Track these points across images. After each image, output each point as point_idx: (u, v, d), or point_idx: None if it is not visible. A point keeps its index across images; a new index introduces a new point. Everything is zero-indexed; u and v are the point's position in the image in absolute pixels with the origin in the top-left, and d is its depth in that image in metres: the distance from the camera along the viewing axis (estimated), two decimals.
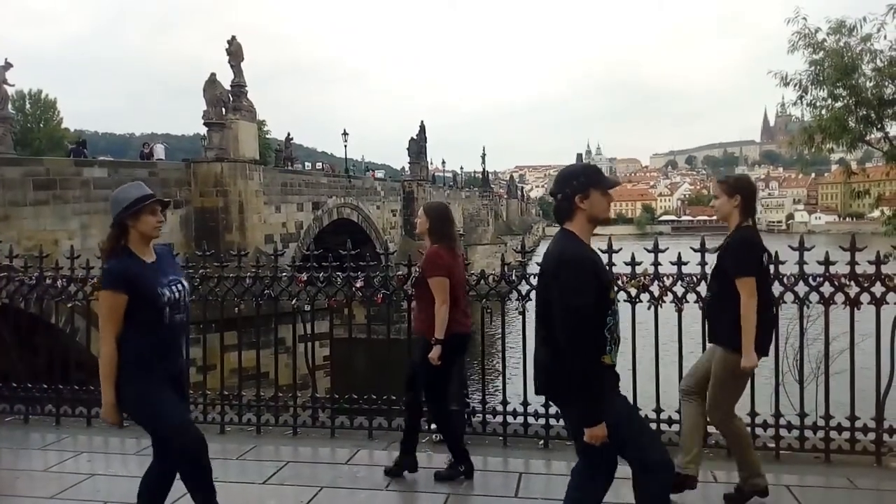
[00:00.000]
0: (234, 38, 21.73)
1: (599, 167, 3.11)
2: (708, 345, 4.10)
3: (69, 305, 6.00)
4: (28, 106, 59.25)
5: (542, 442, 5.01)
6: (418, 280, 4.45)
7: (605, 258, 4.74)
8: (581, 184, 2.92)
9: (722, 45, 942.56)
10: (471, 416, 5.28)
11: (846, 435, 4.61)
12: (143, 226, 3.31)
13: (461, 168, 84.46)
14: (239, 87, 21.67)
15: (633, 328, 4.87)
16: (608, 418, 2.82)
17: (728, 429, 3.96)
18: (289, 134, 42.74)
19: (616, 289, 2.96)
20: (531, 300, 4.73)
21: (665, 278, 4.79)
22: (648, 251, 4.81)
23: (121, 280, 3.21)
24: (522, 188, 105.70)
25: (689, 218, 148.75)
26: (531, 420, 5.08)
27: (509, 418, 5.13)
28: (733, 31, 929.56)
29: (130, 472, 4.68)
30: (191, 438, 3.32)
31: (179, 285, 3.38)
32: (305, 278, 5.53)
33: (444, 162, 76.33)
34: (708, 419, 4.01)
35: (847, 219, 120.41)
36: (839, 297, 4.56)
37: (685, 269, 4.76)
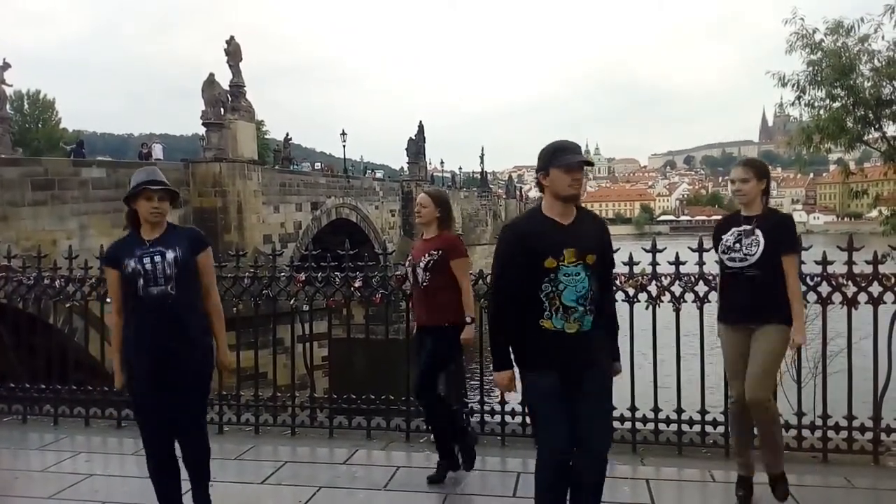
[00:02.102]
0: (232, 38, 21.74)
1: (567, 146, 3.08)
2: (727, 337, 3.91)
3: (67, 305, 6.01)
4: (27, 106, 59.24)
5: None
6: (437, 264, 4.28)
7: None
8: (543, 163, 3.09)
9: (720, 46, 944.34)
10: (469, 416, 5.28)
11: (844, 434, 4.62)
12: (140, 209, 3.45)
13: (460, 168, 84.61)
14: (237, 87, 21.67)
15: (630, 328, 4.87)
16: (531, 392, 3.11)
17: (771, 409, 3.90)
18: (287, 134, 42.73)
19: (562, 257, 2.98)
20: None
21: (663, 278, 4.80)
22: (646, 251, 4.82)
23: (109, 256, 3.52)
24: (521, 188, 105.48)
25: (688, 218, 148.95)
26: (529, 419, 5.08)
27: (507, 418, 5.13)
28: (732, 31, 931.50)
29: (128, 472, 4.71)
30: (146, 437, 3.50)
31: (158, 257, 3.36)
32: (304, 278, 5.53)
33: (442, 162, 76.43)
34: (754, 403, 3.79)
35: (845, 219, 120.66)
36: (837, 297, 4.57)
37: (683, 269, 4.77)
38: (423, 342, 4.38)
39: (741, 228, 3.86)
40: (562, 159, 3.03)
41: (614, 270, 4.71)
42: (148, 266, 3.36)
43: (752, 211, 3.90)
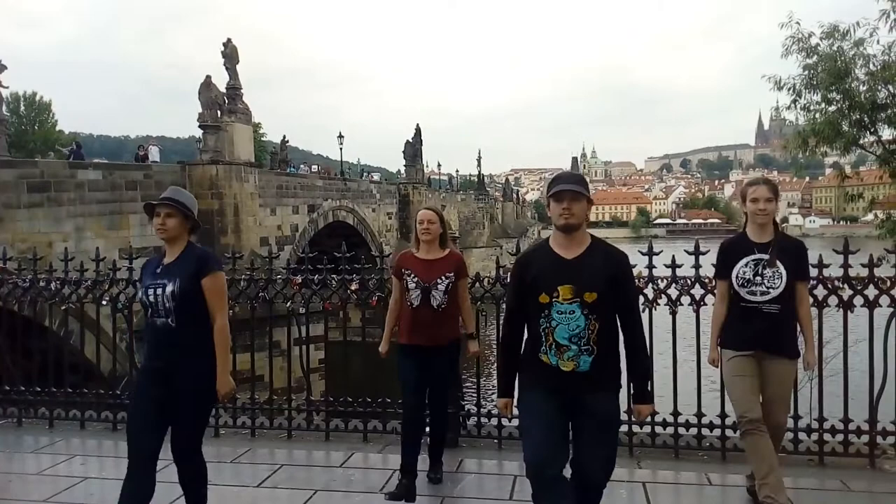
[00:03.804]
0: (229, 40, 21.72)
1: (560, 176, 3.07)
2: (738, 364, 3.78)
3: (63, 308, 5.98)
4: (23, 108, 59.10)
5: None
6: (452, 286, 4.28)
7: None
8: (547, 197, 3.09)
9: (717, 49, 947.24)
10: (466, 419, 5.28)
11: (840, 437, 4.63)
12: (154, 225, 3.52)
13: (457, 171, 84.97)
14: (234, 89, 21.65)
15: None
16: (520, 406, 3.14)
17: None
18: (284, 136, 42.72)
19: (556, 294, 2.91)
20: None
21: (659, 281, 4.81)
22: (643, 254, 4.83)
23: (140, 277, 3.68)
24: (518, 191, 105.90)
25: (684, 221, 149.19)
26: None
27: (504, 421, 5.13)
28: (729, 34, 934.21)
29: (124, 475, 4.67)
30: (131, 444, 3.42)
31: (160, 289, 3.39)
32: (300, 281, 5.53)
33: (439, 165, 76.74)
34: (777, 426, 3.84)
35: (841, 222, 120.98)
36: (832, 300, 4.58)
37: (679, 272, 4.78)
38: (423, 362, 4.27)
39: (757, 257, 3.71)
40: (552, 189, 3.01)
41: None
42: (151, 298, 3.42)
43: (764, 234, 3.76)
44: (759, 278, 3.69)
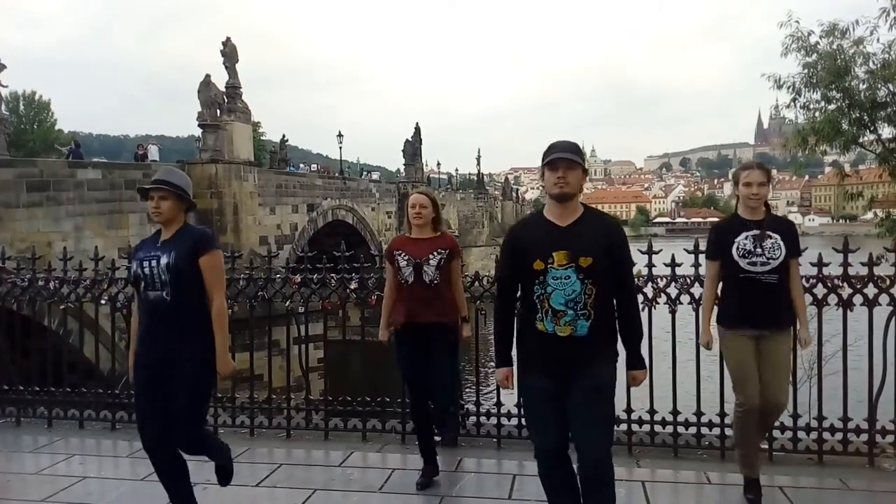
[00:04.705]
0: (228, 39, 21.71)
1: (555, 145, 3.02)
2: (736, 343, 3.86)
3: (62, 307, 5.98)
4: (22, 107, 59.15)
5: None
6: (444, 262, 4.31)
7: None
8: (541, 165, 3.08)
9: (717, 48, 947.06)
10: (465, 418, 5.28)
11: (839, 436, 4.63)
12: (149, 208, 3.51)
13: (456, 170, 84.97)
14: (234, 88, 21.65)
15: None
16: (520, 387, 3.17)
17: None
18: (284, 136, 42.73)
19: (551, 260, 2.92)
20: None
21: (659, 280, 4.81)
22: (642, 253, 4.81)
23: (131, 255, 3.61)
24: (517, 189, 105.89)
25: (684, 220, 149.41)
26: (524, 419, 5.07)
27: (503, 420, 5.13)
28: (728, 33, 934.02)
29: (122, 474, 4.69)
30: (144, 438, 3.46)
31: (154, 261, 3.36)
32: (299, 280, 5.52)
33: (439, 164, 76.70)
34: (777, 405, 3.90)
35: (840, 221, 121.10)
36: (832, 299, 4.58)
37: (679, 271, 4.77)
38: (418, 339, 4.30)
39: (754, 232, 3.81)
40: (546, 158, 3.00)
41: None
42: (146, 270, 3.38)
43: (756, 215, 3.87)
44: (759, 249, 3.80)
